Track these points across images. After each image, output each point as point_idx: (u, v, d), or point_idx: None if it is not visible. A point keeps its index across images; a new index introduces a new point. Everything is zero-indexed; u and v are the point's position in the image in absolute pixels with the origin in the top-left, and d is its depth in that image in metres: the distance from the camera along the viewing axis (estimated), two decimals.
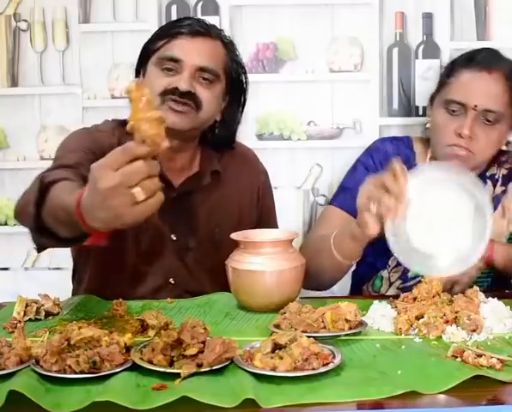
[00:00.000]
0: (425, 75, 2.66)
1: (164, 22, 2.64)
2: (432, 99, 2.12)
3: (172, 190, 1.96)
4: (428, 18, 2.65)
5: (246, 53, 2.66)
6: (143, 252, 1.94)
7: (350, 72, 2.68)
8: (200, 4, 2.66)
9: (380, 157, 2.14)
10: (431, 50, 2.65)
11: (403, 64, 2.67)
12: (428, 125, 2.13)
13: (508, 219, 2.06)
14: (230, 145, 2.09)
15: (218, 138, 2.04)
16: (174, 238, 1.97)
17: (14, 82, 2.68)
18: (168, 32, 1.94)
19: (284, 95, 2.69)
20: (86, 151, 1.79)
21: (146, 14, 2.65)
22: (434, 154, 2.09)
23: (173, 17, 2.64)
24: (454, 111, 1.98)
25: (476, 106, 1.95)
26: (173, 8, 2.65)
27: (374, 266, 2.10)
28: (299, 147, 2.70)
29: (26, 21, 2.65)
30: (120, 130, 1.90)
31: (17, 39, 2.67)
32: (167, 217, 1.93)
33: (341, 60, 2.68)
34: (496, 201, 2.07)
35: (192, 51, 1.90)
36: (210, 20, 2.65)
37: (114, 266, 1.91)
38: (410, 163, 2.09)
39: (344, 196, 2.10)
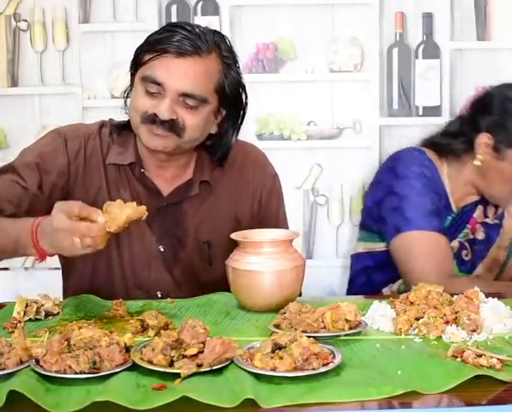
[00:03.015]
0: (425, 75, 2.66)
1: (164, 22, 2.65)
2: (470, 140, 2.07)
3: (161, 199, 1.90)
4: (428, 18, 2.65)
5: (246, 53, 2.67)
6: (130, 264, 1.89)
7: (350, 72, 2.69)
8: (200, 4, 2.66)
9: (428, 181, 2.10)
10: (431, 50, 2.66)
11: (403, 64, 2.68)
12: (476, 162, 2.06)
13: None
14: (222, 160, 1.93)
15: (212, 151, 1.92)
16: (162, 249, 1.90)
17: (14, 82, 2.68)
18: (155, 46, 1.80)
19: (284, 95, 2.70)
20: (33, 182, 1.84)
21: (146, 14, 2.66)
22: (485, 194, 2.13)
23: (173, 17, 2.65)
24: None
25: None
26: (173, 8, 2.65)
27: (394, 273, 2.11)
28: (299, 147, 2.71)
29: (26, 21, 2.66)
30: (105, 132, 1.92)
31: (17, 39, 2.68)
32: (155, 227, 1.89)
33: (341, 60, 2.68)
34: (499, 217, 2.21)
35: (176, 75, 1.77)
36: (210, 20, 2.67)
37: (100, 278, 1.88)
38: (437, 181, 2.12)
39: (427, 218, 2.04)
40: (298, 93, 2.69)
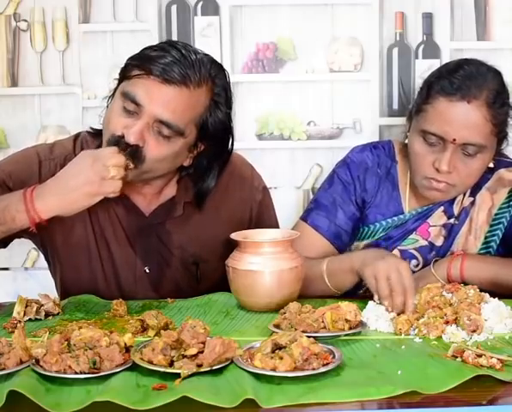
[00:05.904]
0: (425, 75, 2.65)
1: (164, 22, 2.65)
2: (411, 115, 1.94)
3: (142, 218, 1.84)
4: (428, 18, 2.65)
5: (246, 53, 2.67)
6: (116, 285, 1.86)
7: (350, 72, 2.69)
8: (200, 4, 2.66)
9: (359, 171, 1.99)
10: (431, 50, 2.65)
11: (403, 64, 2.67)
12: (407, 141, 1.94)
13: (474, 234, 1.95)
14: (199, 200, 1.86)
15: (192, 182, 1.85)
16: (148, 270, 1.86)
17: (14, 82, 2.68)
18: (144, 64, 1.69)
19: (284, 95, 2.69)
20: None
21: (146, 14, 2.65)
22: (412, 178, 1.95)
23: (174, 17, 2.65)
24: (431, 142, 1.83)
25: (455, 139, 1.78)
26: (173, 8, 2.65)
27: None
28: (299, 147, 2.70)
29: (26, 21, 2.65)
30: (86, 143, 1.85)
31: (17, 39, 2.67)
32: (138, 248, 1.85)
33: (341, 60, 2.68)
34: (463, 213, 1.96)
35: (157, 101, 1.67)
36: (210, 20, 2.66)
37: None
38: (392, 174, 2.00)
39: (319, 214, 1.98)
40: (298, 93, 2.69)
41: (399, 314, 1.56)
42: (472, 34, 2.68)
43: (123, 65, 1.77)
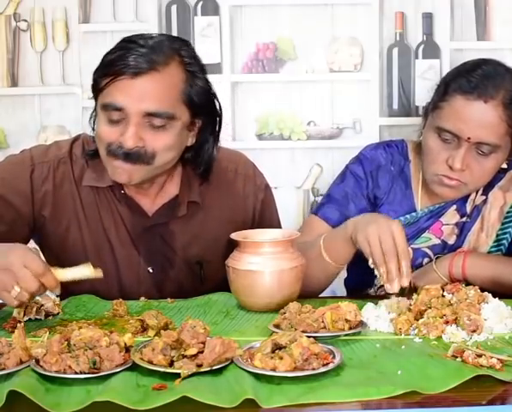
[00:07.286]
0: (425, 75, 2.66)
1: (164, 23, 2.65)
2: (427, 112, 1.94)
3: (146, 219, 1.84)
4: (428, 18, 2.65)
5: (246, 53, 2.67)
6: (118, 287, 1.85)
7: (350, 72, 2.69)
8: (200, 4, 2.66)
9: (372, 167, 2.00)
10: (431, 50, 2.66)
11: (403, 64, 2.68)
12: (421, 138, 1.94)
13: (486, 232, 1.95)
14: (206, 174, 1.85)
15: (194, 164, 1.84)
16: (151, 270, 1.86)
17: (14, 82, 2.68)
18: (110, 69, 1.68)
19: (284, 95, 2.70)
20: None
21: (146, 14, 2.66)
22: (424, 174, 1.95)
23: (174, 17, 2.65)
24: (446, 139, 1.83)
25: (469, 138, 1.79)
26: (173, 8, 2.65)
27: None
28: (299, 147, 2.71)
29: (26, 21, 2.66)
30: (77, 152, 1.84)
31: (17, 39, 2.68)
32: (142, 248, 1.84)
33: (341, 60, 2.68)
34: (475, 211, 1.96)
35: (135, 97, 1.65)
36: (210, 20, 2.67)
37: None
38: (405, 173, 2.00)
39: (330, 207, 1.98)
40: (298, 93, 2.69)
41: (399, 314, 1.56)
42: (472, 34, 2.68)
43: (92, 81, 1.75)
